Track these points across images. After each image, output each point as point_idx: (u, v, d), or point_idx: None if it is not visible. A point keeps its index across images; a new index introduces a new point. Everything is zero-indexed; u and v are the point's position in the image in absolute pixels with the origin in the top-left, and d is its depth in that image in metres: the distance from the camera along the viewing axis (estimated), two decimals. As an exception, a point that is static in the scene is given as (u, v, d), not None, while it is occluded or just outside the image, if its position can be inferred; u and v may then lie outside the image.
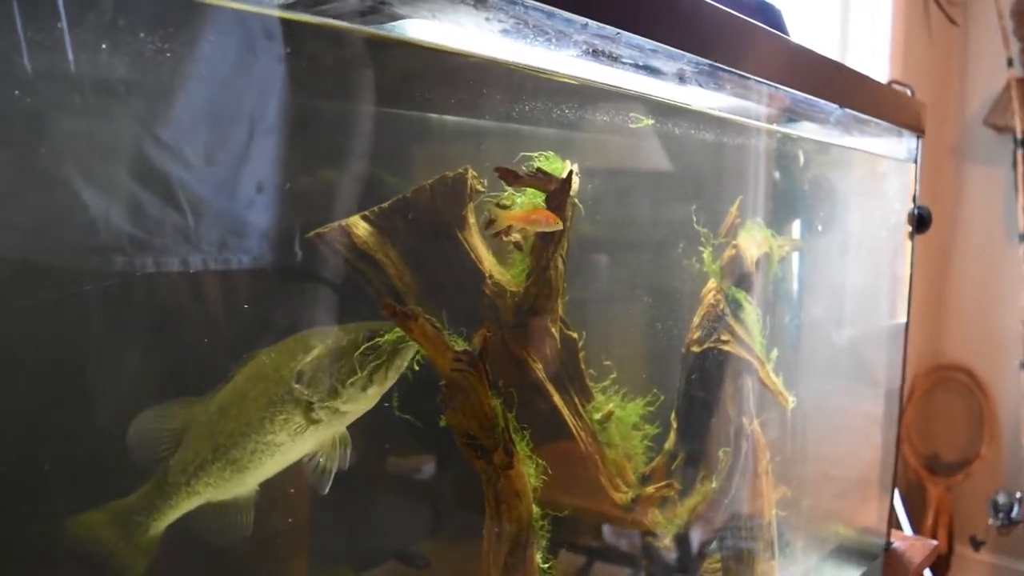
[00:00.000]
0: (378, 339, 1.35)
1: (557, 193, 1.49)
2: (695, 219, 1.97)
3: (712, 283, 2.07)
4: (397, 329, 1.36)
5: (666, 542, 2.03)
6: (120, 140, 1.31)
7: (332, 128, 1.58)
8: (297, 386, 1.27)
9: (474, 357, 1.34)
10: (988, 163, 5.46)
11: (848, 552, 2.93)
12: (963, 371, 5.65)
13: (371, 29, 1.39)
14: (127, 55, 1.23)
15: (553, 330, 1.71)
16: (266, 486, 1.37)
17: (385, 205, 1.61)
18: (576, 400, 1.83)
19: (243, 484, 1.27)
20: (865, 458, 3.15)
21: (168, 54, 1.27)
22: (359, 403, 1.35)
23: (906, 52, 4.69)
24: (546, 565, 1.70)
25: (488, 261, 1.69)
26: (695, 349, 2.07)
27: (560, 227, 1.52)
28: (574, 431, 1.81)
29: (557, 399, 1.79)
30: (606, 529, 1.98)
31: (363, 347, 1.31)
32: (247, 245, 1.45)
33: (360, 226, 1.62)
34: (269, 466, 1.29)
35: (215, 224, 1.40)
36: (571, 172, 1.51)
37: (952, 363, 5.69)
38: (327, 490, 1.32)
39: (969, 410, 5.65)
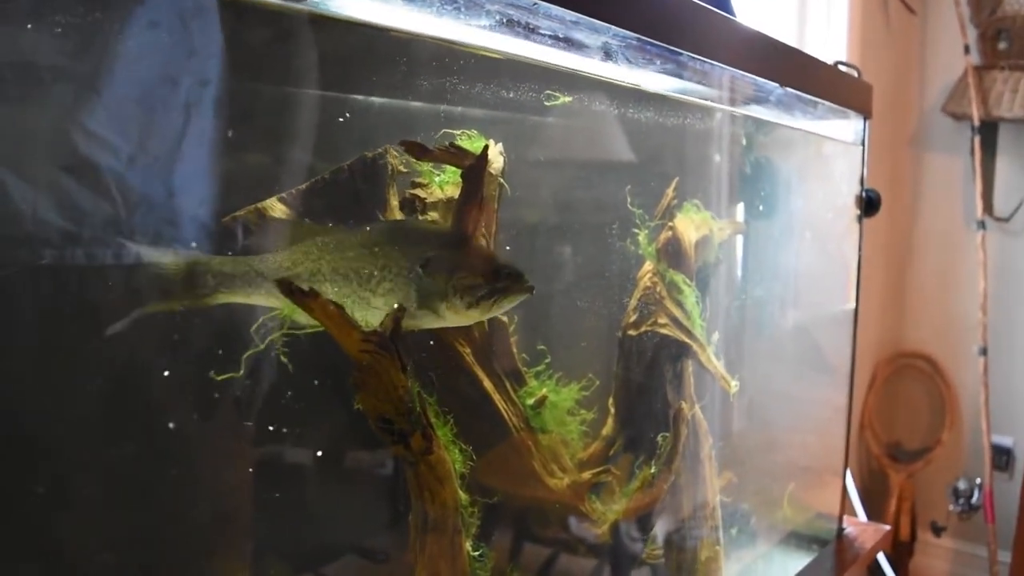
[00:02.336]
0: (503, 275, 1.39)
1: (473, 169, 1.45)
2: (629, 200, 1.93)
3: (648, 265, 2.04)
4: (519, 275, 1.40)
5: (604, 528, 2.00)
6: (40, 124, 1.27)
7: (250, 110, 1.53)
8: (420, 270, 1.33)
9: (384, 338, 1.30)
10: (946, 151, 5.47)
11: (800, 538, 2.92)
12: (924, 358, 5.66)
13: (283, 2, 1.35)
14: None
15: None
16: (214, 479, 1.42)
17: (303, 186, 1.57)
18: (508, 385, 1.79)
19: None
20: (817, 444, 3.13)
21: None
22: (456, 316, 1.39)
23: (863, 41, 4.68)
24: (477, 552, 1.66)
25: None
26: (631, 332, 2.04)
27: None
28: (505, 417, 1.77)
29: (487, 384, 1.75)
30: (542, 516, 1.94)
31: (488, 274, 1.36)
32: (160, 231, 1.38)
33: (276, 208, 1.57)
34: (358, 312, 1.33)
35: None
36: (486, 146, 1.46)
37: (913, 350, 5.70)
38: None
39: (930, 397, 5.66)
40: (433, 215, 1.57)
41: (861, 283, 2.96)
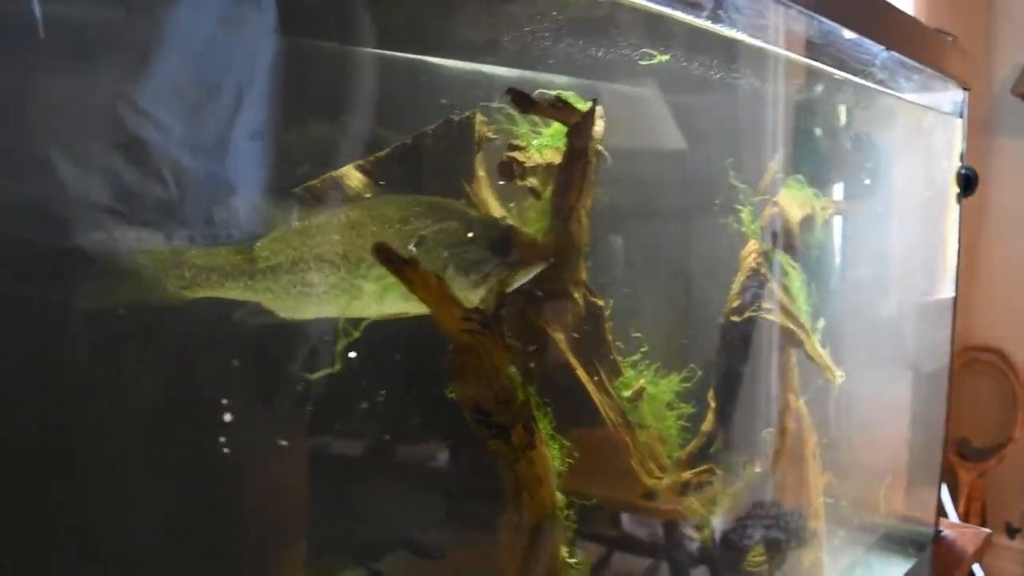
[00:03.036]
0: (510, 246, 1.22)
1: (579, 128, 1.28)
2: (731, 173, 1.75)
3: (752, 244, 1.85)
4: (532, 245, 1.26)
5: (705, 533, 1.82)
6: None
7: (320, 74, 1.41)
8: (414, 248, 1.17)
9: (488, 316, 1.13)
10: (1017, 134, 5.24)
11: (894, 541, 2.73)
12: (994, 352, 5.43)
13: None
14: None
15: (576, 296, 1.50)
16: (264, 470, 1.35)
17: (382, 153, 1.41)
18: (603, 375, 1.62)
19: (300, 311, 1.19)
20: (906, 441, 2.94)
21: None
22: (465, 294, 1.20)
23: (928, 20, 4.47)
24: (572, 560, 1.49)
25: (500, 216, 1.48)
26: (735, 319, 1.86)
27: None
28: (601, 410, 1.60)
29: (581, 374, 1.58)
30: (637, 519, 1.77)
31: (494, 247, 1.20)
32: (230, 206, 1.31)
33: (354, 177, 1.42)
34: (339, 308, 1.20)
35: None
36: (595, 103, 1.29)
37: (982, 344, 5.47)
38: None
39: (1000, 393, 5.43)
40: (532, 181, 1.40)
41: (960, 270, 2.75)
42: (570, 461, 1.45)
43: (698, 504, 1.82)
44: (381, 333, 1.32)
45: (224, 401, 1.30)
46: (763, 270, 1.81)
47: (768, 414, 1.82)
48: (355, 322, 1.29)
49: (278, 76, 1.34)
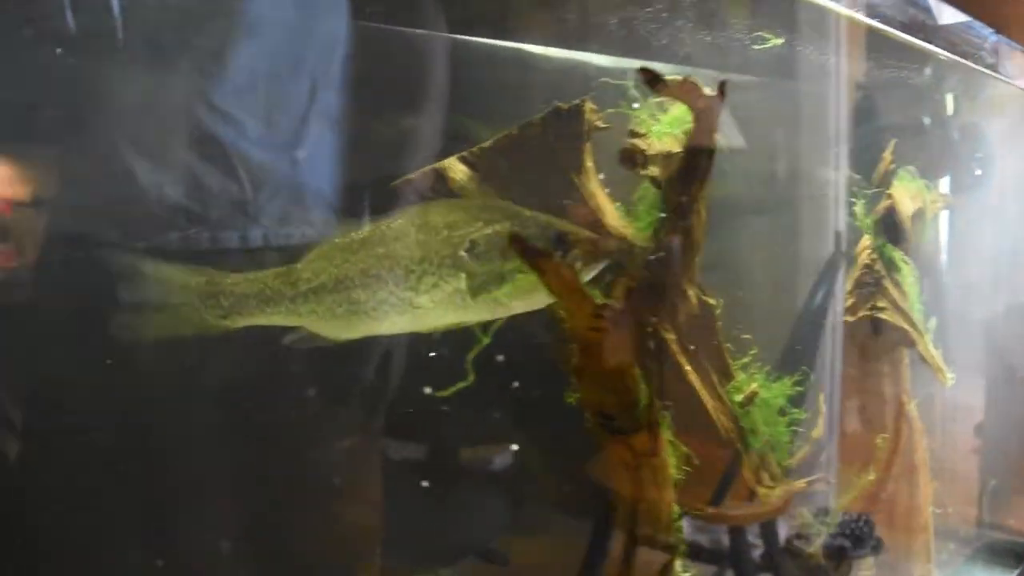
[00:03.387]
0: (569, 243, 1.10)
1: (706, 113, 1.19)
2: (845, 163, 1.66)
3: (866, 240, 1.75)
4: (591, 240, 1.12)
5: (816, 545, 1.72)
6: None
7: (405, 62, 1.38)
8: (465, 254, 1.07)
9: (619, 313, 1.04)
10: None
11: (995, 552, 2.60)
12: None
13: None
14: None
15: (690, 293, 1.41)
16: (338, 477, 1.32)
17: (487, 144, 1.34)
18: (714, 378, 1.53)
19: (350, 330, 1.12)
20: (1010, 447, 2.82)
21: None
22: (521, 302, 1.11)
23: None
24: (686, 575, 1.41)
25: (609, 211, 1.40)
26: (847, 318, 1.76)
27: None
28: (713, 415, 1.51)
29: (693, 377, 1.49)
30: (745, 530, 1.68)
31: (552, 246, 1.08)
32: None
33: (457, 169, 1.35)
34: (389, 324, 1.12)
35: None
36: (724, 83, 1.20)
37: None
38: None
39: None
40: (653, 170, 1.31)
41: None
42: (688, 469, 1.37)
43: (808, 515, 1.72)
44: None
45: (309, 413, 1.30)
46: (876, 266, 1.71)
47: (881, 419, 1.72)
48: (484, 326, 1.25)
49: (360, 66, 1.31)
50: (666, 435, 1.29)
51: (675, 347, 1.47)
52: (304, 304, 1.10)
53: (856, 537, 2.23)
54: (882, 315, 1.67)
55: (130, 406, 1.16)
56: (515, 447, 1.52)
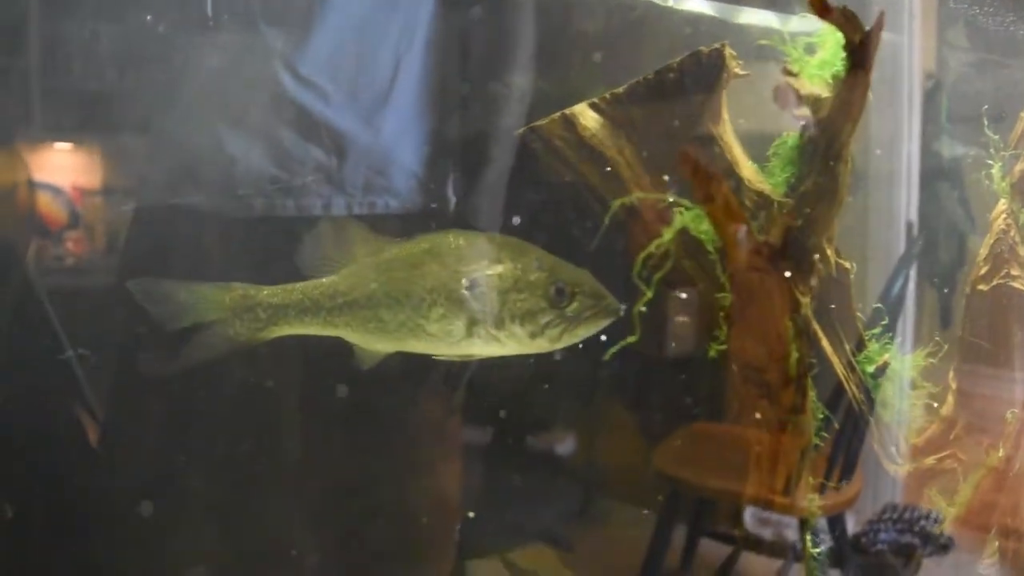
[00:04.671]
0: (569, 296, 1.07)
1: (864, 48, 1.12)
2: (985, 123, 1.58)
3: (1002, 204, 1.67)
4: (597, 295, 1.07)
5: (943, 527, 1.64)
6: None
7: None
8: (465, 293, 1.07)
9: (777, 253, 0.98)
10: None
11: None
12: None
13: None
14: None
15: (829, 251, 1.34)
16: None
17: (620, 90, 1.28)
18: (847, 347, 1.45)
19: (382, 344, 1.12)
20: None
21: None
22: (521, 345, 1.09)
23: None
24: (816, 550, 1.35)
25: (745, 164, 1.34)
26: (981, 287, 1.67)
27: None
28: (845, 385, 1.43)
29: (825, 344, 1.41)
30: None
31: (551, 296, 1.06)
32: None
33: (587, 116, 1.30)
34: (412, 345, 1.12)
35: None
36: (882, 15, 1.14)
37: None
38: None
39: None
40: (804, 111, 1.25)
41: None
42: (825, 435, 1.30)
43: (937, 494, 1.64)
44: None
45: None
46: (1012, 233, 1.63)
47: (1011, 393, 1.63)
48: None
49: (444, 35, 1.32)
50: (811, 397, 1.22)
51: (807, 311, 1.40)
52: (340, 316, 1.11)
53: (924, 535, 2.16)
54: (1015, 283, 1.58)
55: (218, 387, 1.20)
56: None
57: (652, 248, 1.02)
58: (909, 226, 1.92)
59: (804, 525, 1.63)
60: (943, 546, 2.18)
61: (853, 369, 1.47)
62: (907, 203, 1.83)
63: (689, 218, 1.03)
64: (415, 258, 1.13)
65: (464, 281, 1.08)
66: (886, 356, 1.50)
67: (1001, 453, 1.66)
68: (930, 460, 1.54)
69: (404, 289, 1.11)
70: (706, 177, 0.90)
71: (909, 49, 1.78)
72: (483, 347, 1.10)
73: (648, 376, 1.76)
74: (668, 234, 1.04)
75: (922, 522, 2.10)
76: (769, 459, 1.17)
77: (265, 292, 1.11)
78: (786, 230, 1.00)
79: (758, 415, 1.12)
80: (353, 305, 1.11)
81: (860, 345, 1.49)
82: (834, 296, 1.44)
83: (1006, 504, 1.73)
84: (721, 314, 1.06)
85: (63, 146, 1.48)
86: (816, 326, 1.41)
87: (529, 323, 1.06)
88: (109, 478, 1.27)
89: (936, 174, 1.92)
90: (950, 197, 1.93)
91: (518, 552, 1.89)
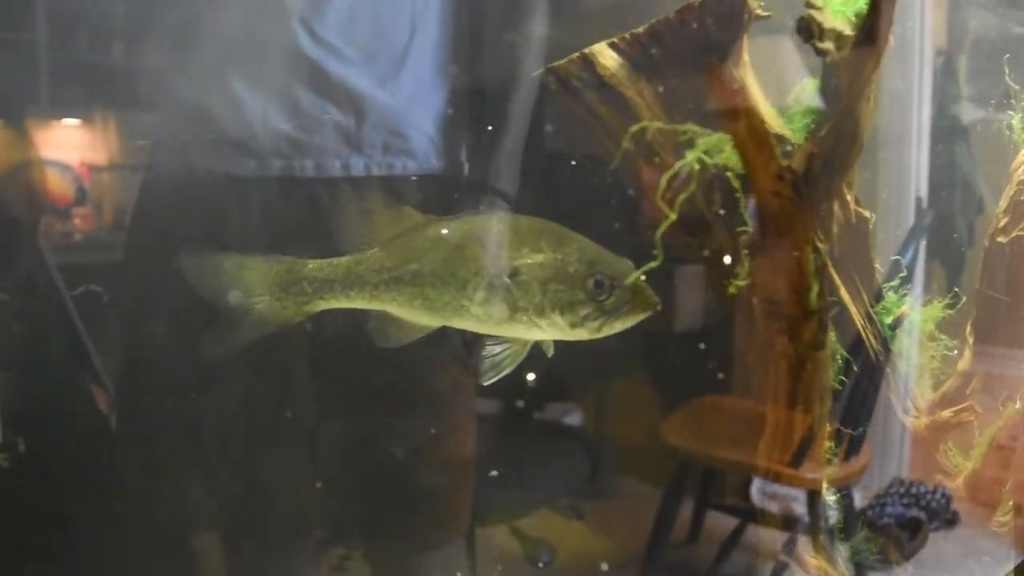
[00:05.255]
0: (608, 289, 1.06)
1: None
2: (1007, 71, 1.56)
3: (1022, 155, 1.65)
4: (635, 289, 1.06)
5: (959, 481, 1.64)
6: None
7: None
8: (508, 280, 1.07)
9: (800, 179, 0.97)
10: None
11: None
12: None
13: None
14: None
15: (849, 197, 1.33)
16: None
17: (639, 30, 1.27)
18: (865, 297, 1.44)
19: (428, 320, 1.12)
20: None
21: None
22: (562, 333, 1.09)
23: None
24: (832, 498, 1.34)
25: (766, 108, 1.32)
26: (1000, 239, 1.66)
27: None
28: (863, 334, 1.42)
29: (844, 292, 1.41)
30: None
31: (590, 288, 1.05)
32: None
33: (606, 55, 1.28)
34: (457, 323, 1.12)
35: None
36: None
37: None
38: (488, 383, 1.14)
39: None
40: (827, 44, 1.23)
41: None
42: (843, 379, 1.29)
43: (953, 448, 1.63)
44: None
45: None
46: (1033, 184, 1.62)
47: (1028, 347, 1.62)
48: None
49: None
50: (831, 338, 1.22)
51: (826, 258, 1.39)
52: (386, 291, 1.11)
53: (932, 510, 2.15)
54: (1037, 236, 1.57)
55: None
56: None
57: (676, 168, 1.01)
58: (919, 201, 1.91)
59: (814, 497, 1.64)
60: (949, 521, 2.18)
61: (871, 320, 1.46)
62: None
63: (712, 141, 1.02)
64: (460, 239, 1.13)
65: (506, 268, 1.08)
66: (903, 307, 1.49)
67: (1019, 405, 1.66)
68: (946, 413, 1.52)
69: (450, 270, 1.11)
70: (730, 90, 0.89)
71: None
72: (525, 331, 1.10)
73: (659, 348, 1.76)
74: (691, 155, 1.02)
75: (929, 497, 2.10)
76: (787, 404, 1.15)
77: (311, 266, 1.12)
78: (809, 157, 0.98)
79: (778, 351, 1.11)
80: (399, 281, 1.11)
81: (878, 296, 1.48)
82: (853, 245, 1.43)
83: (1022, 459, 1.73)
84: (743, 247, 1.04)
85: (71, 122, 1.48)
86: (834, 273, 1.40)
87: (569, 313, 1.06)
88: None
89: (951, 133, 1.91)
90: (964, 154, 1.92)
91: (526, 520, 1.89)
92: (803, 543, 1.60)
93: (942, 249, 1.79)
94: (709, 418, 1.79)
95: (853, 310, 1.42)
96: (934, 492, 2.15)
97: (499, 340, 1.13)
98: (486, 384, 1.13)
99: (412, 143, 1.30)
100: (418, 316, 1.13)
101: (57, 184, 1.45)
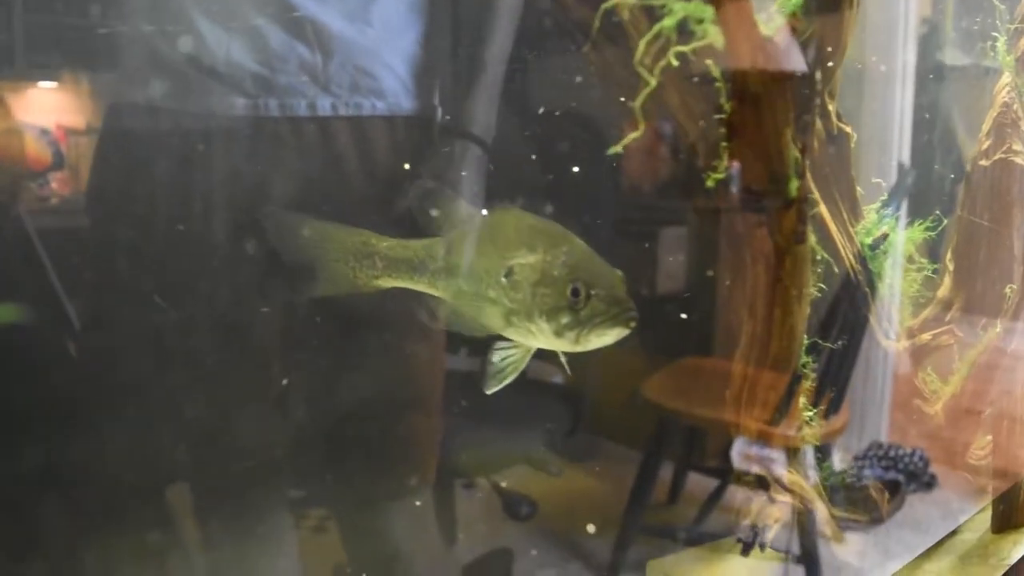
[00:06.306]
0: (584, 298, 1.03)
1: None
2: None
3: (1006, 78, 1.64)
4: (612, 301, 1.03)
5: (938, 407, 1.63)
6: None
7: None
8: (503, 280, 1.06)
9: (780, 51, 0.96)
10: None
11: None
12: None
13: None
14: None
15: (831, 107, 1.32)
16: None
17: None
18: (844, 215, 1.43)
19: (475, 315, 1.11)
20: None
21: None
22: (549, 342, 1.07)
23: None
24: (809, 413, 1.33)
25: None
26: (982, 163, 1.65)
27: None
28: (843, 253, 1.41)
29: (823, 209, 1.39)
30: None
31: (567, 295, 1.03)
32: None
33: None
34: (486, 321, 1.11)
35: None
36: None
37: None
38: (489, 392, 1.13)
39: None
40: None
41: None
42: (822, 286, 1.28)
43: (934, 374, 1.63)
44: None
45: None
46: (1015, 107, 1.60)
47: (1009, 272, 1.61)
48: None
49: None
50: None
51: (806, 171, 1.38)
52: (439, 280, 1.13)
53: (910, 472, 2.16)
54: (1017, 159, 1.56)
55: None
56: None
57: (654, 31, 0.99)
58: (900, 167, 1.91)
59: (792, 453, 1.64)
60: (927, 483, 2.19)
61: (850, 239, 1.45)
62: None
63: (690, 8, 1.00)
64: (481, 235, 1.14)
65: (504, 267, 1.07)
66: (884, 228, 1.48)
67: (999, 329, 1.65)
68: (925, 336, 1.51)
69: (474, 270, 1.11)
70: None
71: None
72: (524, 336, 1.09)
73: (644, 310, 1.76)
74: (669, 21, 1.00)
75: (907, 460, 2.10)
76: (765, 303, 1.14)
77: (384, 244, 1.13)
78: (791, 31, 0.96)
79: (756, 245, 1.09)
80: (445, 272, 1.13)
81: (857, 214, 1.47)
82: (833, 162, 1.42)
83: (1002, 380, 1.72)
84: (721, 139, 1.02)
85: (47, 85, 1.46)
86: (813, 187, 1.39)
87: (552, 320, 1.03)
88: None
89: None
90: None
91: (505, 475, 1.88)
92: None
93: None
94: (692, 377, 1.82)
95: (833, 228, 1.41)
96: (912, 455, 2.15)
97: (505, 345, 1.12)
98: (489, 393, 1.13)
99: (382, 83, 1.27)
100: (466, 306, 1.13)
101: (34, 148, 1.43)
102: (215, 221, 1.21)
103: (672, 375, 2.07)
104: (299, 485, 1.43)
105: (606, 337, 1.03)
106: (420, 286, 1.13)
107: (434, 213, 1.14)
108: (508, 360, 1.13)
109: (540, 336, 1.06)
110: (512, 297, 1.06)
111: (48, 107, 1.50)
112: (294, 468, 1.37)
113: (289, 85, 1.20)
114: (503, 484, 2.04)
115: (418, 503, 1.46)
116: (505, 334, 1.09)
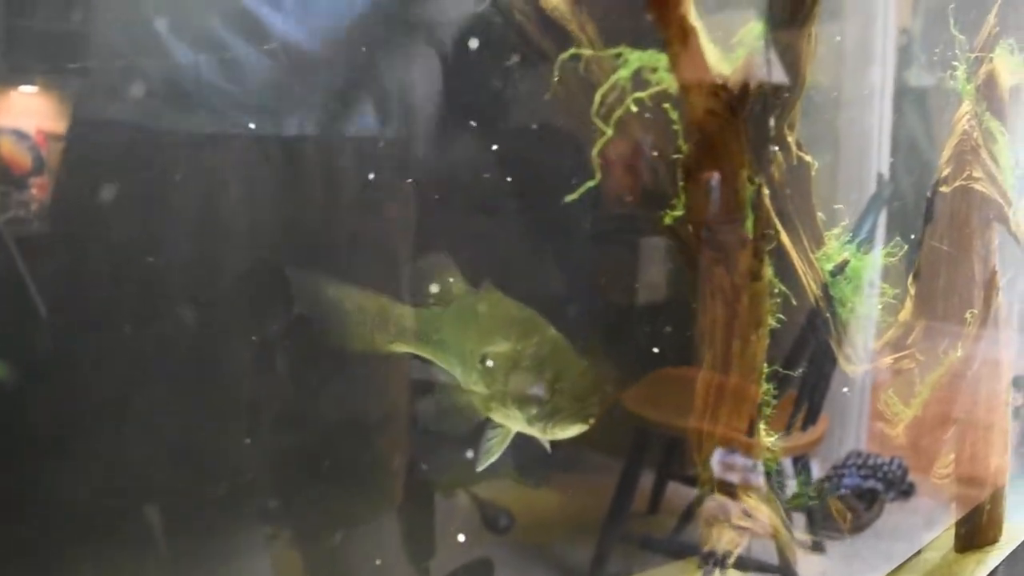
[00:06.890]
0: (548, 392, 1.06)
1: None
2: (952, 22, 1.56)
3: (966, 106, 1.66)
4: (575, 397, 1.06)
5: (899, 430, 1.65)
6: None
7: None
8: (479, 366, 1.09)
9: (735, 98, 0.97)
10: None
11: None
12: None
13: None
14: None
15: (790, 139, 1.33)
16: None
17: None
18: (805, 243, 1.44)
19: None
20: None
21: None
22: (523, 427, 1.10)
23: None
24: (769, 439, 1.34)
25: (710, 49, 1.31)
26: (943, 189, 1.67)
27: None
28: (803, 280, 1.42)
29: (784, 236, 1.40)
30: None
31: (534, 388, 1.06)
32: None
33: (551, -14, 1.28)
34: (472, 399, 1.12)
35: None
36: None
37: None
38: (479, 469, 1.15)
39: None
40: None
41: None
42: (781, 318, 1.29)
43: (895, 397, 1.64)
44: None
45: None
46: (975, 135, 1.62)
47: (970, 297, 1.63)
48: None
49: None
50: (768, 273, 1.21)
51: (766, 201, 1.39)
52: (438, 351, 1.16)
53: (888, 480, 2.18)
54: (976, 185, 1.58)
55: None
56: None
57: (610, 83, 1.00)
58: (879, 176, 1.92)
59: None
60: (905, 492, 2.21)
61: (811, 266, 1.46)
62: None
63: (645, 58, 1.01)
64: (465, 317, 1.17)
65: (479, 354, 1.09)
66: (845, 254, 1.49)
67: (960, 353, 1.67)
68: (887, 360, 1.53)
69: (457, 346, 1.14)
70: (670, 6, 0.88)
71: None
72: (503, 419, 1.11)
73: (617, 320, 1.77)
74: (624, 71, 1.01)
75: (885, 468, 2.12)
76: (723, 338, 1.15)
77: (398, 311, 1.18)
78: (743, 86, 0.97)
79: (713, 283, 1.10)
80: (442, 345, 1.15)
81: (819, 241, 1.48)
82: (795, 190, 1.43)
83: (963, 402, 1.74)
84: (679, 176, 1.03)
85: (28, 89, 1.46)
86: (774, 217, 1.40)
87: (523, 409, 1.05)
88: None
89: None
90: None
91: (484, 487, 1.89)
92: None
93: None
94: (670, 387, 1.78)
95: (793, 254, 1.42)
96: (890, 463, 2.17)
97: (494, 425, 1.14)
98: (479, 470, 1.15)
99: (349, 103, 1.29)
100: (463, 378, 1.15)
101: (12, 152, 1.43)
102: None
103: (650, 385, 2.08)
104: (266, 508, 1.42)
105: (568, 431, 1.05)
106: (426, 354, 1.16)
107: (434, 289, 1.16)
108: (493, 441, 1.14)
109: (514, 422, 1.08)
110: (487, 383, 1.08)
111: (29, 111, 1.50)
112: (262, 490, 1.37)
113: (255, 103, 1.21)
114: (481, 496, 2.05)
115: (384, 525, 1.48)
116: (490, 416, 1.10)
